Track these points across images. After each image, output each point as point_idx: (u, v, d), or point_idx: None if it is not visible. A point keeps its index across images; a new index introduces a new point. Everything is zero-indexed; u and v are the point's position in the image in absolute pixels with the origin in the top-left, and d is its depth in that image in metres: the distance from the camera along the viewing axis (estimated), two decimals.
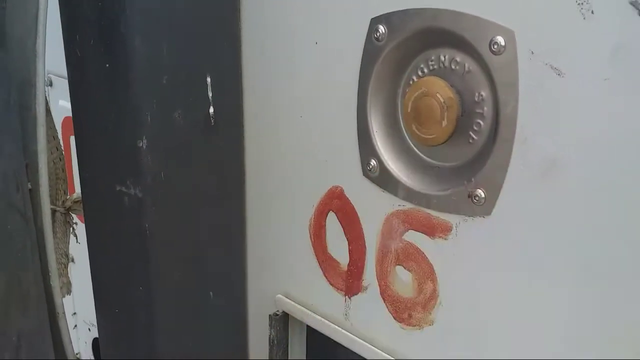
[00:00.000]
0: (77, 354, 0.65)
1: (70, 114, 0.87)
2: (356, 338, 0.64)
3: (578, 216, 0.46)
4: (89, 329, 1.12)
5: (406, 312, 0.60)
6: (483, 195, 0.51)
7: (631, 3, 0.40)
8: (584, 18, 0.42)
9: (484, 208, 0.51)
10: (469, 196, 0.51)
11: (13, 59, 0.48)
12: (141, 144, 0.57)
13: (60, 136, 0.85)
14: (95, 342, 1.11)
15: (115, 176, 0.60)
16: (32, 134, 0.52)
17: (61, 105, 0.96)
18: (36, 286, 0.52)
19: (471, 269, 0.53)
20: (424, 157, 0.56)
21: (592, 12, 0.41)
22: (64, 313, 0.57)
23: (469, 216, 0.52)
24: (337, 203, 0.63)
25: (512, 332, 0.52)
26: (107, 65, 0.55)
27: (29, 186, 0.52)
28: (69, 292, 0.92)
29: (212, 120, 0.63)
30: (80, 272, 1.04)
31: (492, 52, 0.47)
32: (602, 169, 0.44)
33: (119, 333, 0.68)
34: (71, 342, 0.58)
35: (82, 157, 0.64)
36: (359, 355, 0.65)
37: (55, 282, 0.56)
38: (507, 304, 0.52)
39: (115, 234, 0.63)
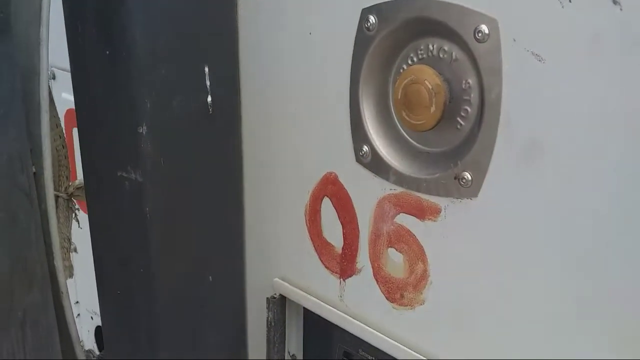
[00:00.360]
0: (80, 341, 0.68)
1: (73, 107, 0.90)
2: (351, 318, 0.66)
3: (560, 196, 0.48)
4: (92, 317, 1.14)
5: (398, 292, 0.62)
6: (470, 177, 0.53)
7: None
8: (562, 7, 0.44)
9: (471, 190, 0.53)
10: (457, 179, 0.53)
11: (18, 48, 0.50)
12: (141, 130, 0.59)
13: (63, 127, 0.87)
14: (97, 330, 1.13)
15: (116, 162, 0.62)
16: (36, 120, 0.54)
17: (64, 98, 0.97)
18: (40, 266, 0.54)
19: (460, 249, 0.56)
20: (414, 142, 0.58)
21: (570, 1, 0.43)
22: (67, 292, 0.60)
23: (457, 198, 0.54)
24: (331, 188, 0.65)
25: (500, 309, 0.54)
26: (108, 54, 0.57)
27: (34, 170, 0.54)
28: (71, 275, 0.94)
29: (210, 109, 0.65)
30: (83, 261, 1.07)
31: (477, 40, 0.49)
32: (582, 150, 0.46)
33: (121, 315, 0.70)
34: (74, 321, 0.60)
35: (84, 144, 0.66)
36: (354, 336, 0.68)
37: (59, 263, 0.58)
38: (494, 282, 0.54)
39: (117, 218, 0.65)
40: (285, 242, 0.72)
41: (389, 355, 0.65)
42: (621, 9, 0.42)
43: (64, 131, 0.86)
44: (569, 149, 0.47)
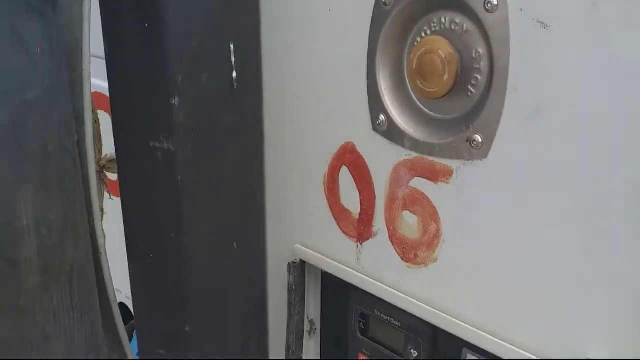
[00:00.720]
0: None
1: (96, 90, 0.94)
2: (368, 278, 0.71)
3: (564, 154, 0.52)
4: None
5: (412, 252, 0.66)
6: (480, 140, 0.57)
7: None
8: None
9: (481, 152, 0.58)
10: (468, 141, 0.58)
11: (62, 23, 0.54)
12: (174, 102, 0.64)
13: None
14: (120, 306, 1.18)
15: (149, 133, 0.66)
16: (78, 91, 0.59)
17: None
18: (83, 225, 0.58)
19: (471, 208, 0.60)
20: (427, 110, 0.63)
21: None
22: (105, 253, 0.64)
23: (468, 160, 0.59)
24: (349, 157, 0.70)
25: (509, 264, 0.59)
26: (143, 30, 0.62)
27: (77, 137, 0.59)
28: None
29: (235, 84, 0.70)
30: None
31: (487, 10, 0.53)
32: (583, 111, 0.50)
33: (151, 277, 0.74)
34: (111, 279, 0.65)
35: (117, 117, 0.70)
36: (370, 297, 0.72)
37: (98, 224, 0.63)
38: (504, 238, 0.59)
39: (149, 186, 0.69)
40: (304, 210, 0.76)
41: (404, 314, 0.70)
42: None
43: (95, 108, 0.90)
44: (571, 109, 0.51)
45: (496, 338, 0.60)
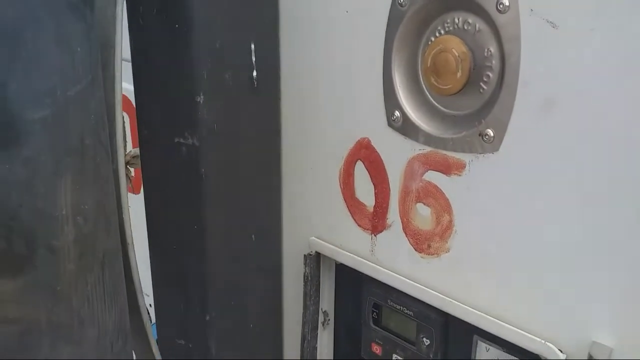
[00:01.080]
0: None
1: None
2: (382, 268, 0.74)
3: (573, 148, 0.55)
4: None
5: (425, 242, 0.69)
6: (492, 134, 0.60)
7: None
8: None
9: (493, 145, 0.61)
10: (480, 135, 0.61)
11: (97, 22, 0.57)
12: (199, 99, 0.67)
13: None
14: None
15: (174, 129, 0.69)
16: (110, 88, 0.62)
17: None
18: (114, 216, 0.61)
19: (482, 199, 0.63)
20: (441, 107, 0.66)
21: None
22: (132, 244, 0.67)
23: (480, 153, 0.62)
24: (364, 152, 0.73)
25: (518, 253, 0.62)
26: (170, 31, 0.65)
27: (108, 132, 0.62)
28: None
29: (255, 82, 0.73)
30: None
31: (499, 11, 0.56)
32: (591, 107, 0.53)
33: (172, 269, 0.77)
34: (137, 270, 0.68)
35: (143, 114, 0.73)
36: (383, 288, 0.75)
37: (127, 215, 0.66)
38: (513, 228, 0.61)
39: (173, 180, 0.72)
40: (320, 203, 0.79)
41: (416, 303, 0.73)
42: None
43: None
44: (580, 104, 0.54)
45: (505, 323, 0.63)
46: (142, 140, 0.75)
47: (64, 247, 0.52)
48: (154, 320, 0.88)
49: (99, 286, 0.58)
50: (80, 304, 0.56)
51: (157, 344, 0.84)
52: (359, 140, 0.73)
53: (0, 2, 0.44)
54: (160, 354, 0.83)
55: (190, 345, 0.79)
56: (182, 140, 0.69)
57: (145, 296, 1.17)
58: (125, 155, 0.80)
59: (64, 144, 0.51)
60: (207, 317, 0.75)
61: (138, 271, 0.68)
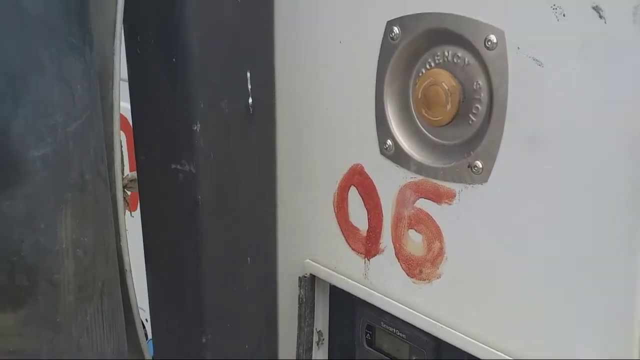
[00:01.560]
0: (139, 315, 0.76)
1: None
2: (375, 292, 0.75)
3: (557, 181, 0.57)
4: None
5: (417, 268, 0.71)
6: (481, 165, 0.62)
7: (593, 8, 0.51)
8: (558, 20, 0.53)
9: (482, 176, 0.62)
10: (469, 167, 0.63)
11: (95, 58, 0.59)
12: (196, 128, 0.68)
13: None
14: None
15: (171, 156, 0.71)
16: (108, 119, 0.63)
17: None
18: (112, 244, 0.63)
19: (472, 228, 0.65)
20: (432, 136, 0.68)
21: (564, 15, 0.53)
22: (130, 270, 0.69)
23: (470, 184, 0.63)
24: (357, 178, 0.74)
25: (506, 281, 0.63)
26: (168, 62, 0.67)
27: (107, 161, 0.63)
28: None
29: (251, 109, 0.74)
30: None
31: (487, 47, 0.58)
32: (575, 141, 0.55)
33: (169, 291, 0.79)
34: (135, 296, 0.69)
35: (140, 141, 0.75)
36: (376, 310, 0.77)
37: (125, 243, 0.67)
38: (502, 256, 0.63)
39: (170, 205, 0.74)
40: (315, 227, 0.81)
41: (409, 326, 0.74)
42: (605, 22, 0.51)
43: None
44: (564, 140, 0.56)
45: (495, 350, 0.64)
46: (140, 165, 0.76)
47: (64, 279, 0.54)
48: (150, 337, 0.90)
49: (97, 315, 0.60)
50: (80, 333, 0.57)
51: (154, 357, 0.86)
52: (352, 167, 0.74)
53: (7, 48, 0.46)
54: None
55: None
56: (178, 167, 0.71)
57: (141, 310, 1.18)
58: (123, 179, 0.81)
59: (64, 180, 0.53)
60: (204, 340, 0.77)
61: (136, 297, 0.70)
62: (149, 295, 0.82)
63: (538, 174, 0.58)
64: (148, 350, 0.73)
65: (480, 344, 0.65)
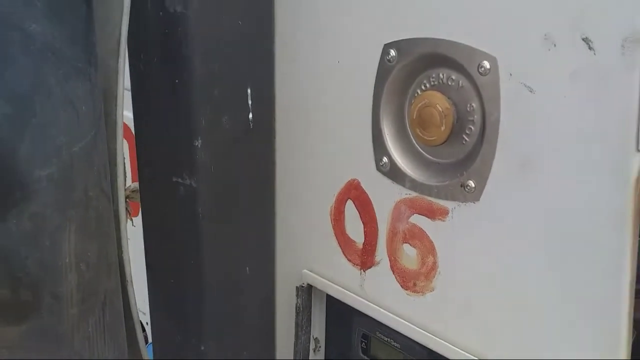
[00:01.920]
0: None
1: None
2: (370, 303, 0.77)
3: (548, 202, 0.59)
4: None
5: (411, 281, 0.73)
6: (473, 185, 0.64)
7: (583, 39, 0.52)
8: (549, 50, 0.55)
9: (474, 195, 0.64)
10: (462, 186, 0.64)
11: (99, 76, 0.61)
12: (197, 143, 0.70)
13: None
14: None
15: (173, 170, 0.73)
16: (112, 134, 0.65)
17: None
18: (114, 257, 0.65)
19: (464, 245, 0.66)
20: (427, 155, 0.69)
21: (555, 45, 0.54)
22: (132, 281, 0.71)
23: (462, 202, 0.65)
24: (354, 193, 0.76)
25: (498, 295, 0.65)
26: (170, 79, 0.68)
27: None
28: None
29: (251, 124, 0.76)
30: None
31: (480, 73, 0.60)
32: (564, 166, 0.57)
33: (169, 301, 0.81)
34: (137, 306, 0.71)
35: (143, 155, 0.77)
36: (372, 320, 0.78)
37: (126, 255, 0.69)
38: (493, 272, 0.65)
39: (171, 218, 0.76)
40: (312, 238, 0.83)
41: (403, 337, 0.76)
42: (595, 53, 0.52)
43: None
44: (555, 163, 0.57)
45: None
46: (142, 178, 0.78)
47: (68, 293, 0.56)
48: (150, 340, 0.92)
49: (99, 326, 0.61)
50: (82, 344, 0.59)
51: None
52: (349, 181, 0.76)
53: (15, 74, 0.48)
54: None
55: None
56: (180, 181, 0.73)
57: (142, 314, 1.20)
58: (125, 189, 0.83)
59: (69, 198, 0.54)
60: (202, 347, 0.79)
61: (137, 308, 0.71)
62: (149, 303, 0.84)
63: (528, 195, 0.60)
64: (148, 356, 0.75)
65: (472, 357, 0.67)
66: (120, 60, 0.64)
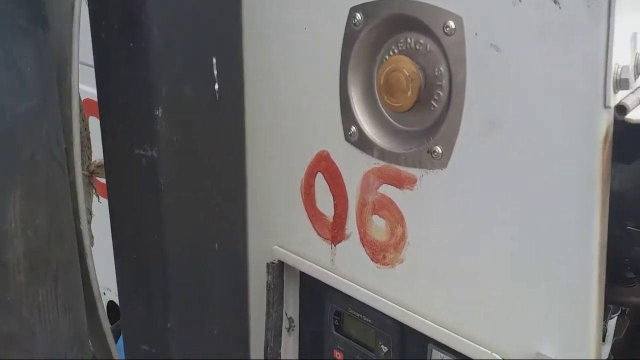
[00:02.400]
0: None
1: (88, 97, 0.98)
2: (341, 278, 0.75)
3: (516, 164, 0.57)
4: (104, 293, 1.23)
5: (381, 253, 0.71)
6: (440, 151, 0.62)
7: None
8: (514, 5, 0.53)
9: (441, 162, 0.62)
10: (429, 152, 0.63)
11: (53, 41, 0.59)
12: (157, 112, 0.68)
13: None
14: (110, 305, 1.22)
15: (134, 141, 0.70)
16: (67, 103, 0.63)
17: (80, 89, 1.07)
18: (70, 228, 0.62)
19: (433, 213, 0.65)
20: (395, 123, 0.67)
21: (520, 1, 0.52)
22: (91, 255, 0.68)
23: (430, 169, 0.63)
24: (323, 165, 0.74)
25: (467, 264, 0.63)
26: (130, 47, 0.66)
27: (65, 145, 0.63)
28: (92, 243, 1.02)
29: (217, 95, 0.74)
30: (95, 248, 1.15)
31: (446, 34, 0.58)
32: (532, 127, 0.55)
33: (135, 277, 0.79)
34: (97, 279, 0.69)
35: (105, 126, 0.74)
36: (343, 296, 0.77)
37: (84, 227, 0.67)
38: (462, 241, 0.63)
39: (134, 190, 0.74)
40: (283, 213, 0.81)
41: (375, 311, 0.74)
42: (560, 7, 0.51)
43: (85, 116, 0.95)
44: (522, 123, 0.56)
45: (457, 334, 0.65)
46: (106, 150, 0.76)
47: (14, 259, 0.54)
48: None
49: (51, 296, 0.60)
50: (31, 313, 0.57)
51: (125, 347, 0.86)
52: (318, 153, 0.74)
53: None
54: (126, 357, 0.84)
55: (154, 351, 0.80)
56: (141, 152, 0.70)
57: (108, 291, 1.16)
58: (91, 164, 0.81)
59: (14, 161, 0.52)
60: (169, 325, 0.77)
61: (97, 280, 0.69)
62: (117, 280, 0.82)
63: (495, 157, 0.58)
64: (110, 332, 0.73)
65: (442, 329, 0.66)
66: (75, 25, 0.62)
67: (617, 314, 1.06)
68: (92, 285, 0.67)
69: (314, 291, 0.84)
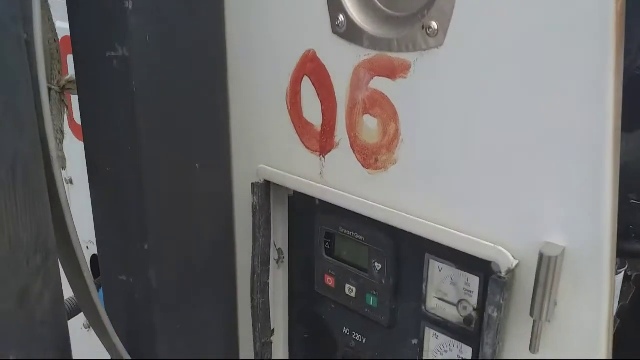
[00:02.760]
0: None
1: (66, 34, 0.92)
2: (330, 189, 0.69)
3: (518, 32, 0.51)
4: (87, 247, 1.17)
5: (373, 157, 0.65)
6: (436, 26, 0.56)
7: None
8: None
9: (437, 39, 0.56)
10: (424, 28, 0.57)
11: None
12: (128, 5, 0.62)
13: (55, 25, 0.90)
14: (93, 259, 1.16)
15: (105, 42, 0.65)
16: (29, 11, 0.57)
17: (57, 26, 1.01)
18: (30, 119, 0.56)
19: (429, 102, 0.59)
20: (385, 8, 0.62)
21: None
22: (56, 157, 0.62)
23: (425, 50, 0.58)
24: (310, 66, 0.68)
25: (466, 158, 0.58)
26: None
27: (25, 36, 0.57)
28: (64, 166, 0.97)
29: None
30: (79, 195, 1.09)
31: None
32: None
33: (110, 198, 0.73)
34: (64, 187, 0.63)
35: (75, 30, 0.69)
36: (334, 217, 0.71)
37: (49, 128, 0.61)
38: (461, 131, 0.58)
39: (106, 97, 0.68)
40: (268, 128, 0.75)
41: (367, 227, 0.69)
42: None
43: (55, 27, 0.89)
44: None
45: (455, 231, 0.59)
46: (76, 58, 0.70)
47: None
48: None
49: (10, 194, 0.54)
50: None
51: (103, 281, 0.80)
52: (304, 54, 0.68)
53: None
54: (103, 287, 0.79)
55: (132, 281, 0.74)
56: (113, 54, 0.65)
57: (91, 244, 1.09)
58: (61, 79, 0.75)
59: None
60: (146, 246, 0.71)
61: (65, 188, 0.63)
62: (92, 207, 0.76)
63: (496, 28, 0.52)
64: (81, 247, 0.67)
65: (440, 227, 0.60)
66: None
67: (624, 268, 1.02)
68: (60, 192, 0.61)
69: (303, 216, 0.78)
